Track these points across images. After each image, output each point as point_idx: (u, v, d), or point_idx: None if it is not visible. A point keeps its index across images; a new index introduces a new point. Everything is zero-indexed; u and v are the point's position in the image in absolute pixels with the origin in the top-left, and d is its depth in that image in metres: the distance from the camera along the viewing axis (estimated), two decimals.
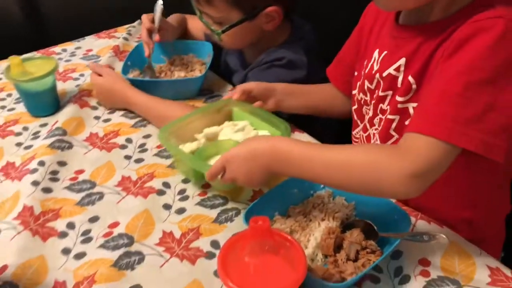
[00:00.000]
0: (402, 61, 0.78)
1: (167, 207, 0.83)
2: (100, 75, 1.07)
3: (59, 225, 0.80)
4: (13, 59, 1.01)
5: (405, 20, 0.80)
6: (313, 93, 1.01)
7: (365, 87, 0.87)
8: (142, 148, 0.97)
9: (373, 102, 0.85)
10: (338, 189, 0.78)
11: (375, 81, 0.84)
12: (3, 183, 0.90)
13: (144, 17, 1.17)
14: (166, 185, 0.87)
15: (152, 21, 1.15)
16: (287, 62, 1.02)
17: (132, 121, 1.04)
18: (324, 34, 1.12)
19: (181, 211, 0.82)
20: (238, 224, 0.79)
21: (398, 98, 0.78)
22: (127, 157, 0.94)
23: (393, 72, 0.79)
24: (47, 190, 0.86)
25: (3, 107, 1.11)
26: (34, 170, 0.89)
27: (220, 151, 0.84)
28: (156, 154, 0.95)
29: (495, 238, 0.90)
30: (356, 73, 0.93)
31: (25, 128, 1.04)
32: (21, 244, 0.76)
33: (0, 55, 1.27)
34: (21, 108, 1.10)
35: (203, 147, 0.86)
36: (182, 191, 0.86)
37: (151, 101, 1.02)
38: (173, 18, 1.25)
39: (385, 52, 0.82)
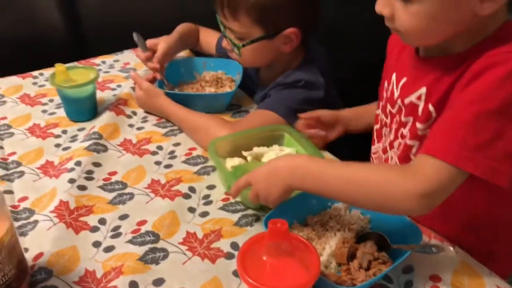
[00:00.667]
0: (423, 90, 0.81)
1: (192, 210, 0.88)
2: (140, 87, 1.15)
3: (92, 220, 0.86)
4: (59, 67, 1.09)
5: (426, 52, 0.84)
6: (371, 111, 1.06)
7: (387, 110, 0.91)
8: (172, 155, 1.03)
9: (394, 126, 0.89)
10: (350, 205, 0.82)
11: (397, 106, 0.88)
12: (42, 179, 0.97)
13: (137, 52, 1.25)
14: (192, 189, 0.93)
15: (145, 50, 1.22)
16: (305, 83, 1.08)
17: (164, 130, 1.11)
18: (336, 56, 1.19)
19: (204, 214, 0.87)
20: (257, 229, 0.83)
21: (418, 125, 0.82)
22: (157, 163, 1.00)
23: (415, 101, 0.83)
24: (82, 187, 0.92)
25: (44, 111, 1.19)
26: (71, 169, 0.96)
27: None
28: (184, 161, 1.01)
29: (505, 251, 0.92)
30: (380, 93, 0.97)
31: (64, 132, 1.11)
32: (56, 234, 0.82)
33: (42, 65, 1.36)
34: (61, 113, 1.17)
35: (244, 164, 0.92)
36: (206, 196, 0.91)
37: (185, 112, 1.09)
38: (180, 29, 1.29)
39: (405, 78, 0.86)
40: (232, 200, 0.90)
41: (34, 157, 1.03)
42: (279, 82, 1.11)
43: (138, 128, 1.12)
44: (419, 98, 0.82)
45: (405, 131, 0.86)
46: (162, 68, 1.20)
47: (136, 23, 1.66)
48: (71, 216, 0.86)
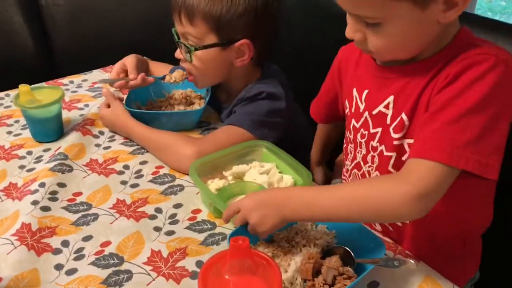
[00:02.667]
0: (391, 98, 0.82)
1: (157, 229, 0.87)
2: (109, 105, 1.15)
3: (54, 242, 0.84)
4: (22, 87, 1.08)
5: (386, 62, 0.85)
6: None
7: (351, 126, 0.92)
8: (138, 174, 1.02)
9: (362, 140, 0.89)
10: (350, 222, 0.79)
11: (363, 119, 0.88)
12: (4, 202, 0.95)
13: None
14: (158, 210, 0.92)
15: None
16: (267, 95, 1.08)
17: (131, 149, 1.10)
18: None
19: (170, 233, 0.86)
20: (223, 248, 0.83)
21: (394, 135, 0.82)
22: (123, 182, 0.99)
23: (383, 110, 0.84)
24: (45, 208, 0.91)
25: (9, 132, 1.17)
26: (35, 191, 0.94)
27: (244, 191, 0.91)
28: (151, 180, 1.00)
29: (474, 253, 0.94)
30: (345, 113, 0.97)
31: (29, 152, 1.10)
32: (16, 257, 0.80)
33: (12, 85, 1.35)
34: (27, 134, 1.15)
35: (228, 186, 0.92)
36: (173, 215, 0.90)
37: (149, 132, 1.08)
38: (132, 56, 1.28)
39: (367, 90, 0.87)
40: (199, 219, 0.90)
41: None
42: (241, 98, 1.11)
43: (105, 148, 1.11)
44: (387, 106, 0.83)
45: (375, 142, 0.86)
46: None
47: (105, 43, 1.68)
48: (33, 238, 0.84)
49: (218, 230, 0.87)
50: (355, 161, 0.93)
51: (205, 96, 1.23)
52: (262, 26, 1.09)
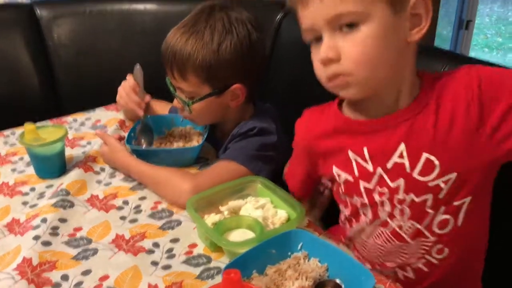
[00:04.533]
0: (402, 146, 0.82)
1: (154, 263, 0.89)
2: (106, 143, 1.19)
3: (54, 276, 0.87)
4: (28, 126, 1.13)
5: (370, 114, 0.85)
6: None
7: (362, 189, 0.87)
8: (137, 209, 1.05)
9: (384, 198, 0.85)
10: None
11: (376, 177, 0.85)
12: (7, 237, 0.97)
13: (129, 76, 1.30)
14: (156, 245, 0.94)
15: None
16: (259, 130, 1.13)
17: (131, 184, 1.13)
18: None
19: (167, 267, 0.89)
20: (219, 281, 0.85)
21: (423, 179, 0.81)
22: (123, 218, 1.02)
23: (398, 160, 0.83)
24: (46, 243, 0.94)
25: (14, 170, 1.21)
26: (37, 226, 0.97)
27: (240, 225, 0.94)
28: (149, 216, 1.03)
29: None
30: (337, 184, 0.92)
31: (32, 189, 1.13)
32: None
33: (19, 122, 1.39)
34: (30, 170, 1.19)
35: (224, 220, 0.95)
36: (169, 250, 0.93)
37: (147, 168, 1.12)
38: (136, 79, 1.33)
39: (365, 147, 0.84)
40: (195, 253, 0.92)
41: (1, 215, 1.04)
42: (235, 134, 1.16)
43: (106, 184, 1.14)
44: (401, 156, 0.82)
45: (400, 195, 0.84)
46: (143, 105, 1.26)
47: (108, 82, 1.73)
48: (34, 272, 0.87)
49: (213, 264, 0.89)
50: (377, 221, 0.89)
51: (204, 133, 1.27)
52: (250, 68, 1.14)
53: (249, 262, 0.84)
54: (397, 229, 0.87)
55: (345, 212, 0.95)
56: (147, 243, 0.95)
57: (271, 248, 0.86)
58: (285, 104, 1.31)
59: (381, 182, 0.85)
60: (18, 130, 1.38)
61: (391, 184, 0.84)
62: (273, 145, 1.13)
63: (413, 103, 0.82)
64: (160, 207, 1.06)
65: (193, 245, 0.94)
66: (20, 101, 1.68)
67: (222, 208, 0.99)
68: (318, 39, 0.79)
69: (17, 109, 1.66)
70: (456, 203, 0.83)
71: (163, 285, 0.84)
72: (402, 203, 0.84)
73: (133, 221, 1.01)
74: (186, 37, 1.10)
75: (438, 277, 0.90)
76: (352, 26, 0.75)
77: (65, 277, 0.87)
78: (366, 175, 0.86)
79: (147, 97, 1.27)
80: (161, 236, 0.97)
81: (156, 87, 1.57)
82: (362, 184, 0.87)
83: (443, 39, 3.90)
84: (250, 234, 0.92)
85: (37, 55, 1.72)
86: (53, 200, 1.05)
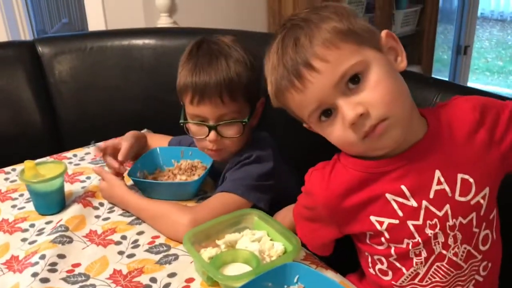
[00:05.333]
0: (437, 173, 0.83)
1: None
2: (104, 179, 1.20)
3: None
4: (28, 163, 1.14)
5: (389, 154, 0.83)
6: None
7: (413, 230, 0.84)
8: (135, 244, 1.05)
9: (437, 229, 0.84)
10: None
11: (422, 212, 0.83)
12: (5, 275, 0.98)
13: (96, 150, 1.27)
14: (153, 280, 0.94)
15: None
16: (256, 157, 1.14)
17: (129, 219, 1.14)
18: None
19: None
20: None
21: (464, 199, 0.83)
22: (120, 253, 1.03)
23: (438, 187, 0.83)
24: (44, 280, 0.94)
25: (14, 206, 1.22)
26: (35, 263, 0.98)
27: (236, 259, 0.95)
28: (147, 250, 1.03)
29: None
30: (377, 233, 0.87)
31: (32, 225, 1.14)
32: None
33: (19, 159, 1.41)
34: (30, 207, 1.20)
35: (220, 254, 0.95)
36: (167, 285, 0.93)
37: (144, 202, 1.13)
38: (130, 136, 1.34)
39: (403, 186, 0.83)
40: None
41: (0, 253, 1.05)
42: (233, 162, 1.16)
43: (104, 219, 1.15)
44: (439, 183, 0.83)
45: (451, 222, 0.83)
46: (121, 165, 1.23)
47: (108, 117, 1.76)
48: None
49: None
50: (432, 257, 0.86)
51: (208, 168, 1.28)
52: (260, 83, 1.15)
53: None
54: (454, 258, 0.86)
55: (382, 264, 0.90)
56: (144, 279, 0.95)
57: (267, 281, 0.86)
58: (283, 136, 1.32)
59: (429, 214, 0.83)
60: (19, 167, 1.40)
61: (439, 213, 0.83)
62: (271, 173, 1.13)
63: (428, 133, 0.84)
64: (157, 241, 1.06)
65: (190, 280, 0.94)
66: (21, 138, 1.70)
67: (218, 242, 0.99)
68: (326, 113, 0.80)
69: (18, 145, 1.68)
70: (490, 217, 0.88)
71: None
72: (453, 229, 0.84)
73: (131, 256, 1.02)
74: (221, 60, 1.11)
75: None
76: (356, 80, 0.78)
77: None
78: (412, 213, 0.83)
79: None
80: (158, 270, 0.97)
81: (156, 122, 1.60)
82: (410, 223, 0.84)
83: (444, 64, 3.94)
84: (246, 268, 0.93)
85: (39, 91, 1.74)
86: (52, 236, 1.06)
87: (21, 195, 1.27)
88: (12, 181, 1.34)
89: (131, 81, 1.75)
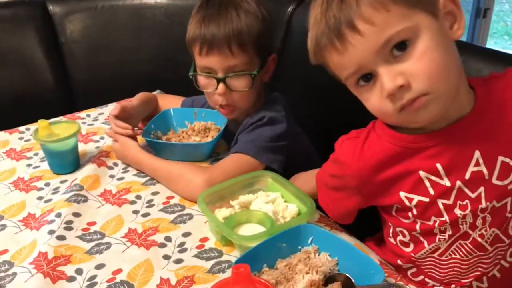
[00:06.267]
0: (477, 154, 0.78)
1: (166, 257, 0.91)
2: (116, 140, 1.20)
3: (69, 270, 0.88)
4: (41, 122, 1.14)
5: (431, 128, 0.79)
6: None
7: (442, 209, 0.82)
8: (150, 203, 1.06)
9: (466, 211, 0.81)
10: None
11: (455, 192, 0.80)
12: (23, 232, 1.00)
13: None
14: (168, 238, 0.96)
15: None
16: (268, 119, 1.13)
17: (143, 180, 1.15)
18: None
19: (179, 261, 0.90)
20: (229, 275, 0.86)
21: (502, 183, 0.79)
22: (135, 212, 1.04)
23: (475, 168, 0.79)
24: (61, 237, 0.95)
25: (29, 165, 1.23)
26: (52, 221, 0.99)
27: (250, 220, 0.95)
28: (161, 210, 1.04)
29: None
30: (404, 208, 0.85)
31: (47, 184, 1.15)
32: (33, 285, 0.84)
33: (32, 119, 1.42)
34: (45, 166, 1.21)
35: (235, 214, 0.96)
36: (181, 244, 0.94)
37: (159, 163, 1.13)
38: (139, 98, 1.34)
39: (439, 164, 0.79)
40: (206, 247, 0.93)
41: (17, 210, 1.06)
42: (245, 124, 1.16)
43: (119, 179, 1.16)
44: (477, 164, 0.78)
45: (484, 204, 0.80)
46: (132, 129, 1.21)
47: (120, 77, 1.75)
48: (49, 266, 0.89)
49: (224, 258, 0.90)
50: (457, 234, 0.83)
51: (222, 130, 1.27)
52: (272, 38, 1.16)
53: (259, 256, 0.84)
54: (479, 239, 0.82)
55: (404, 237, 0.88)
56: (159, 237, 0.96)
57: (281, 242, 0.87)
58: (296, 99, 1.31)
59: (461, 195, 0.80)
60: (32, 126, 1.40)
61: (472, 195, 0.80)
62: (284, 134, 1.13)
63: (474, 109, 0.78)
64: (172, 201, 1.07)
65: (205, 239, 0.95)
66: (34, 97, 1.71)
67: (233, 203, 0.99)
68: (366, 77, 0.75)
69: (31, 105, 1.68)
70: None
71: (175, 279, 0.85)
72: (484, 212, 0.81)
73: (146, 215, 1.03)
74: (231, 12, 1.09)
75: (508, 281, 0.88)
76: (403, 46, 0.71)
77: (79, 271, 0.88)
78: (444, 192, 0.81)
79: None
80: (173, 230, 0.98)
81: (168, 81, 1.59)
82: (441, 202, 0.81)
83: None
84: (260, 229, 0.93)
85: (50, 51, 1.73)
86: (67, 195, 1.07)
87: (36, 154, 1.28)
88: (26, 140, 1.35)
89: (142, 41, 1.73)
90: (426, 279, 0.89)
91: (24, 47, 1.72)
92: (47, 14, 1.74)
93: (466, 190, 0.80)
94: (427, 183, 0.81)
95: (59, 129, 1.17)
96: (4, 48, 1.69)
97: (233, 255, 0.91)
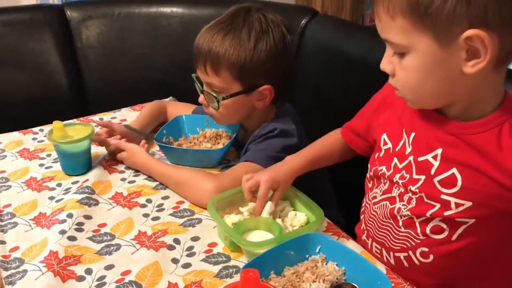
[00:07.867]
0: (439, 151, 0.83)
1: (175, 261, 0.92)
2: (124, 149, 1.21)
3: (79, 269, 0.90)
4: (56, 124, 1.16)
5: (441, 111, 0.85)
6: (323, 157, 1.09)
7: (392, 164, 0.91)
8: (160, 207, 1.07)
9: (403, 181, 0.89)
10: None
11: (406, 162, 0.89)
12: (34, 230, 1.01)
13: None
14: (177, 241, 0.97)
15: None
16: (280, 131, 1.14)
17: (154, 184, 1.16)
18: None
19: (187, 265, 0.91)
20: (237, 280, 0.86)
21: (441, 189, 0.83)
22: (145, 215, 1.05)
23: (431, 159, 0.85)
24: (72, 238, 0.97)
25: (41, 165, 1.25)
26: (63, 221, 1.01)
27: (259, 227, 0.96)
28: (171, 214, 1.05)
29: None
30: (379, 147, 0.96)
31: (59, 184, 1.16)
32: (43, 283, 0.86)
33: (46, 121, 1.44)
34: (57, 167, 1.23)
35: (244, 221, 0.97)
36: (190, 248, 0.95)
37: (169, 169, 1.15)
38: (147, 112, 1.40)
39: (413, 133, 0.88)
40: (214, 252, 0.94)
41: (29, 209, 1.08)
42: (256, 135, 1.17)
43: (130, 182, 1.17)
44: (434, 157, 0.84)
45: (414, 187, 0.87)
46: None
47: (133, 83, 1.78)
48: (60, 265, 0.90)
49: (232, 263, 0.91)
50: (388, 194, 0.93)
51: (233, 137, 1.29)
52: (281, 69, 1.16)
53: (267, 262, 0.85)
54: (395, 211, 0.91)
55: (370, 173, 0.99)
56: (168, 239, 0.97)
57: (289, 250, 0.88)
58: (309, 110, 1.32)
59: (408, 168, 0.88)
60: (47, 128, 1.42)
61: (414, 176, 0.87)
62: (294, 147, 1.14)
63: (480, 121, 0.80)
64: (182, 206, 1.08)
65: (213, 244, 0.96)
66: (48, 100, 1.73)
67: (242, 209, 1.00)
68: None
69: (45, 108, 1.70)
70: (458, 220, 0.83)
71: (183, 284, 0.86)
72: (414, 194, 0.87)
73: (156, 218, 1.04)
74: (223, 33, 1.12)
75: (412, 271, 0.92)
76: (401, 54, 0.78)
77: (88, 271, 0.89)
78: (401, 155, 0.90)
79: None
80: (182, 232, 0.99)
81: (180, 89, 1.61)
82: (395, 160, 0.91)
83: None
84: (268, 236, 0.94)
85: (66, 56, 1.76)
86: (79, 196, 1.09)
87: (49, 155, 1.29)
88: (39, 141, 1.36)
89: (157, 49, 1.76)
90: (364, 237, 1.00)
91: (41, 51, 1.75)
92: (64, 19, 1.77)
93: (413, 168, 0.87)
94: (402, 141, 0.90)
95: (73, 131, 1.19)
96: (21, 51, 1.72)
97: (241, 261, 0.91)
